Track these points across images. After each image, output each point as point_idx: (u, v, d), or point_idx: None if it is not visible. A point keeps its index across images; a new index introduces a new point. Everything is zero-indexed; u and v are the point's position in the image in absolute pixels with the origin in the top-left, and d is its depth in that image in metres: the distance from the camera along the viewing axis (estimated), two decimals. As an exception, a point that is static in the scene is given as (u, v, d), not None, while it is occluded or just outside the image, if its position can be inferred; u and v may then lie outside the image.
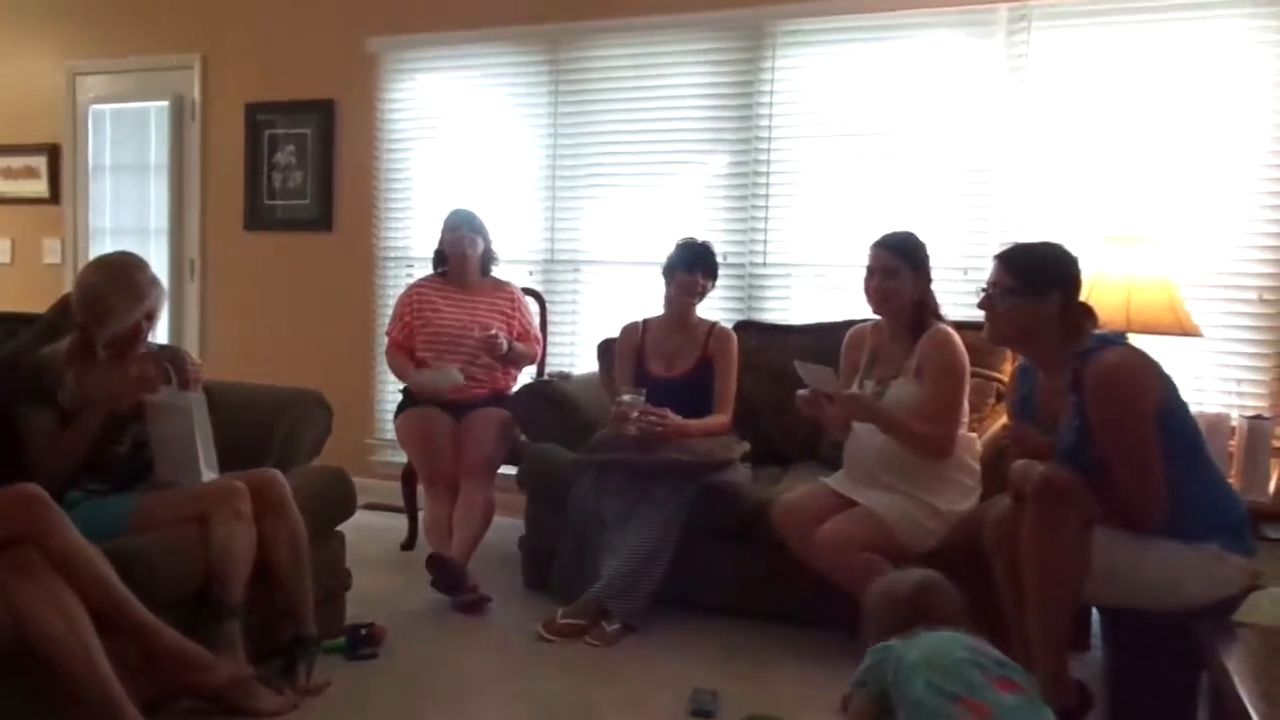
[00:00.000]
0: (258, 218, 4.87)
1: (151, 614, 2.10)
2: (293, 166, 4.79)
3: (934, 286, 2.92)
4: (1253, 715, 1.45)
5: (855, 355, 3.01)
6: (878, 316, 2.94)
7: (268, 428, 2.84)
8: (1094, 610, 2.62)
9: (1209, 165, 3.33)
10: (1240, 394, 3.18)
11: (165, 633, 2.11)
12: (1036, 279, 2.35)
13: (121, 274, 2.48)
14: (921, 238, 2.91)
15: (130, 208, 5.20)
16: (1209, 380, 3.16)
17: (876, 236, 2.93)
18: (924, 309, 2.87)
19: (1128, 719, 2.31)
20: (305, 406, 2.97)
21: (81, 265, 5.07)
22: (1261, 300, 3.29)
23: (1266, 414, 2.98)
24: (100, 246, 5.17)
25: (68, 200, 5.25)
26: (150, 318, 2.50)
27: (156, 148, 5.10)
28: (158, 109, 5.08)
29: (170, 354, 2.60)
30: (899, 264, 2.85)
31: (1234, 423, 2.89)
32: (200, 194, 5.00)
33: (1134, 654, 2.35)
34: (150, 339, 2.57)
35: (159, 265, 4.15)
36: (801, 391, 2.81)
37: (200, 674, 2.15)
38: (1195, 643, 1.98)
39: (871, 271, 2.89)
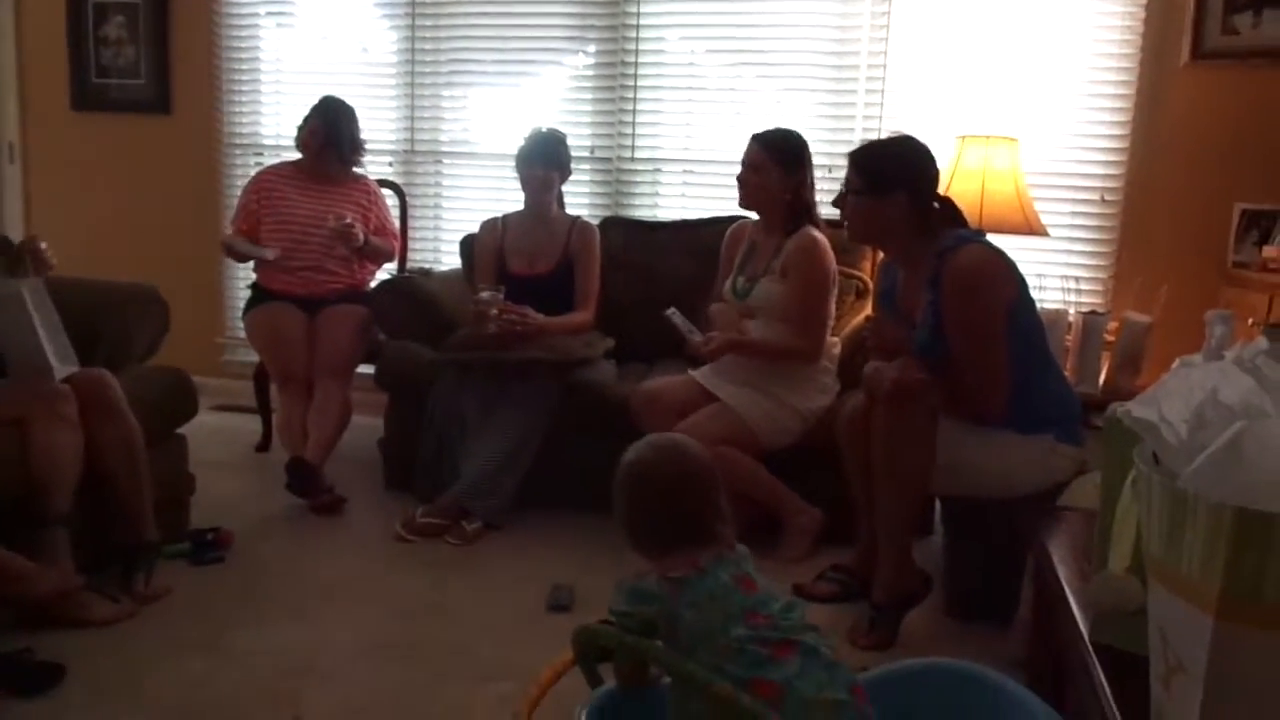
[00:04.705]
0: (86, 97, 4.44)
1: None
2: (124, 41, 4.37)
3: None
4: (1067, 590, 1.53)
5: (733, 251, 3.06)
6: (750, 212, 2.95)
7: (95, 326, 2.64)
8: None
9: (1060, 69, 3.41)
10: (1079, 290, 3.33)
11: (-22, 544, 1.98)
12: (881, 178, 2.37)
13: None
14: (803, 138, 2.91)
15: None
16: (1050, 278, 3.29)
17: (743, 132, 2.92)
18: (796, 209, 2.87)
19: (961, 599, 2.46)
20: (138, 303, 2.77)
21: None
22: (1104, 201, 3.43)
23: (1101, 310, 3.13)
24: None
25: None
26: None
27: (-38, 15, 4.57)
28: (-39, -30, 4.53)
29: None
30: (767, 159, 2.84)
31: (1071, 318, 3.03)
32: (16, 70, 4.52)
33: (969, 539, 2.49)
34: None
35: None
36: (694, 339, 2.83)
37: (21, 585, 2.03)
38: (1022, 526, 2.10)
39: (742, 164, 2.89)
